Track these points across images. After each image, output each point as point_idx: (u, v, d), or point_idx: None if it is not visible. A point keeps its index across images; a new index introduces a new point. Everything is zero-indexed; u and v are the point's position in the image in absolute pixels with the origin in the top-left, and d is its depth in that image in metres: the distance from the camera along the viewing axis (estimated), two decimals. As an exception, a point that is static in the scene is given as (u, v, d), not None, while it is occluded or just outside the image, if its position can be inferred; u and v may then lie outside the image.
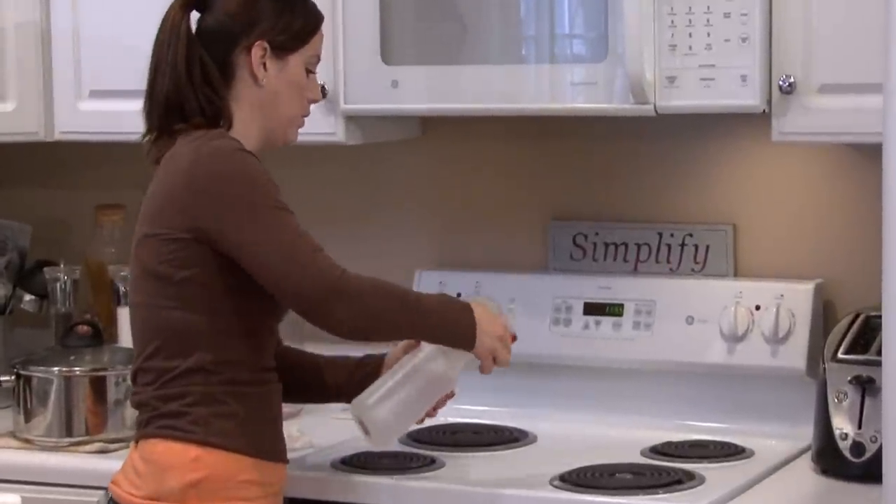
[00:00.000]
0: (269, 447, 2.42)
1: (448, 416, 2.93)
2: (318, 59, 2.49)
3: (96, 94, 3.03)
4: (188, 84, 2.40)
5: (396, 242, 3.15)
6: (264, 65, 2.42)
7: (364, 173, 3.17)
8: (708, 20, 2.55)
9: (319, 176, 3.20)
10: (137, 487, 2.39)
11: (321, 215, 3.20)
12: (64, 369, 2.90)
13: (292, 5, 2.44)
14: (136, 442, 2.44)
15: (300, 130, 2.83)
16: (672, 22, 2.57)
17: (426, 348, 2.46)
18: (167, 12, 2.44)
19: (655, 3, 2.57)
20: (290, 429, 2.59)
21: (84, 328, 2.98)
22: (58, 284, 3.21)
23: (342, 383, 2.56)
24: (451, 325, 2.41)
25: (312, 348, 2.68)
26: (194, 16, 2.44)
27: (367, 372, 2.54)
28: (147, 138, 2.46)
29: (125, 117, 2.97)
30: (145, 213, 2.42)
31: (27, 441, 2.90)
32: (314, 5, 2.48)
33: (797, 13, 2.51)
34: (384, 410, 2.43)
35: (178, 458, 2.36)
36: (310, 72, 2.47)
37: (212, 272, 2.35)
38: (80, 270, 3.25)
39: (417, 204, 3.14)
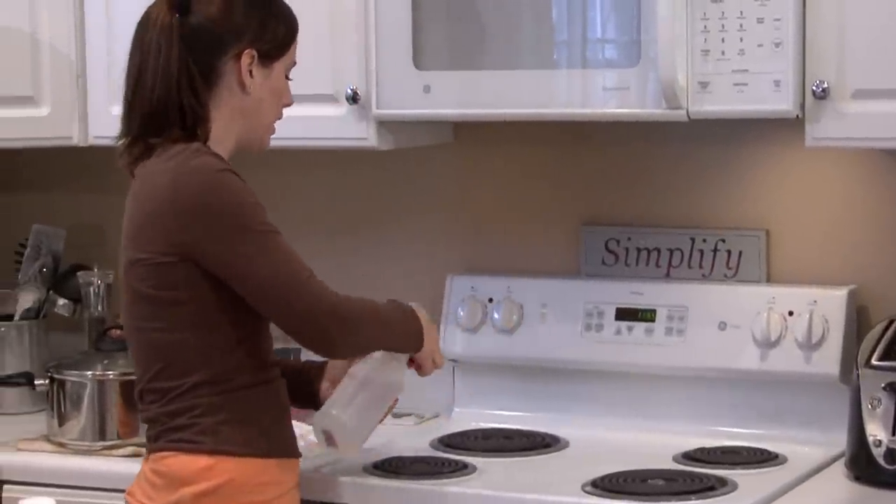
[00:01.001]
0: (280, 445, 2.43)
1: (480, 421, 2.94)
2: (294, 65, 2.49)
3: (130, 99, 3.04)
4: (176, 90, 2.37)
5: (428, 247, 3.15)
6: (251, 72, 2.41)
7: (396, 178, 3.17)
8: (741, 25, 2.54)
9: (351, 181, 3.21)
10: (151, 499, 2.41)
11: (353, 220, 3.21)
12: (97, 373, 2.91)
13: (275, 12, 2.44)
14: (148, 455, 2.45)
15: (328, 135, 2.85)
16: (705, 27, 2.56)
17: (376, 354, 2.49)
18: (151, 12, 2.40)
19: (688, 7, 2.56)
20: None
21: (117, 332, 2.99)
22: (91, 288, 3.22)
23: (300, 388, 2.56)
24: (408, 333, 2.48)
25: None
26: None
27: (311, 379, 2.56)
28: (122, 142, 2.43)
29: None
30: (128, 235, 2.41)
31: (61, 445, 2.91)
32: (291, 11, 2.47)
33: (831, 18, 2.51)
34: (349, 419, 2.45)
35: (190, 468, 2.37)
36: (287, 78, 2.48)
37: (201, 292, 2.35)
38: (114, 275, 3.26)
39: (449, 209, 3.14)
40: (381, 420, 2.57)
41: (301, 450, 2.51)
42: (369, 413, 2.50)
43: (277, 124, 2.51)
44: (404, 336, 2.49)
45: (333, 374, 2.54)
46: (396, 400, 2.56)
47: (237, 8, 2.40)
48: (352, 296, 2.40)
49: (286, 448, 2.44)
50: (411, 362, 2.54)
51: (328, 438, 2.46)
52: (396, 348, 2.49)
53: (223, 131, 2.42)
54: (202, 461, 2.37)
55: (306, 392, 2.56)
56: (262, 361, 2.43)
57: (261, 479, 2.39)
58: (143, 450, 2.83)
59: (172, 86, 2.37)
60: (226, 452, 2.37)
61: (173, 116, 2.38)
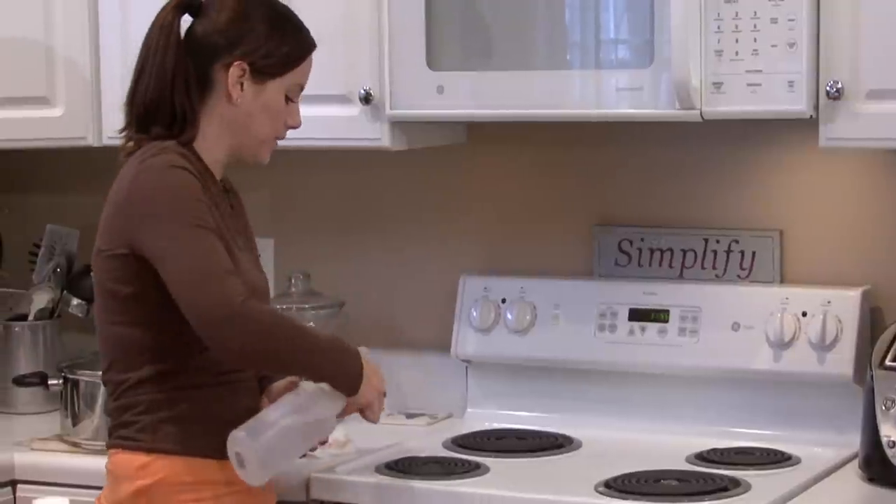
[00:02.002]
0: (214, 445, 2.38)
1: (493, 421, 2.94)
2: (301, 89, 2.47)
3: (144, 99, 3.04)
4: (170, 90, 2.39)
5: (441, 248, 3.15)
6: (241, 85, 2.40)
7: (409, 178, 3.17)
8: (755, 25, 2.54)
9: (365, 181, 3.21)
10: (106, 497, 2.45)
11: (366, 220, 3.21)
12: (111, 373, 2.91)
13: (282, 31, 2.42)
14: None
15: (342, 136, 2.84)
16: (718, 27, 2.56)
17: (308, 388, 2.42)
18: (159, 12, 2.43)
19: (702, 8, 2.56)
20: (336, 434, 2.59)
21: (131, 332, 2.99)
22: (105, 289, 3.22)
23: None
24: (340, 370, 2.39)
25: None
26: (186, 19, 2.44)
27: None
28: (123, 134, 2.46)
29: (172, 123, 2.99)
30: (99, 227, 2.44)
31: (75, 444, 2.92)
32: (307, 35, 2.46)
33: (845, 18, 2.50)
34: (260, 447, 2.37)
35: (128, 466, 2.39)
36: (290, 100, 2.45)
37: (150, 286, 2.35)
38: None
39: (462, 209, 3.14)
40: (301, 454, 2.49)
41: (343, 454, 2.49)
42: (284, 446, 2.40)
43: None
44: (334, 372, 2.39)
45: (273, 394, 2.48)
46: (323, 441, 2.50)
47: (240, 19, 2.40)
48: (272, 308, 2.37)
49: (219, 450, 2.38)
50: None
51: (238, 460, 2.37)
52: (325, 380, 2.40)
53: (212, 138, 2.43)
54: (139, 459, 2.38)
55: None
56: (213, 363, 2.40)
57: (196, 479, 2.38)
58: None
59: (166, 85, 2.39)
60: (161, 451, 2.38)
61: (162, 115, 2.40)
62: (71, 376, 2.94)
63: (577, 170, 3.05)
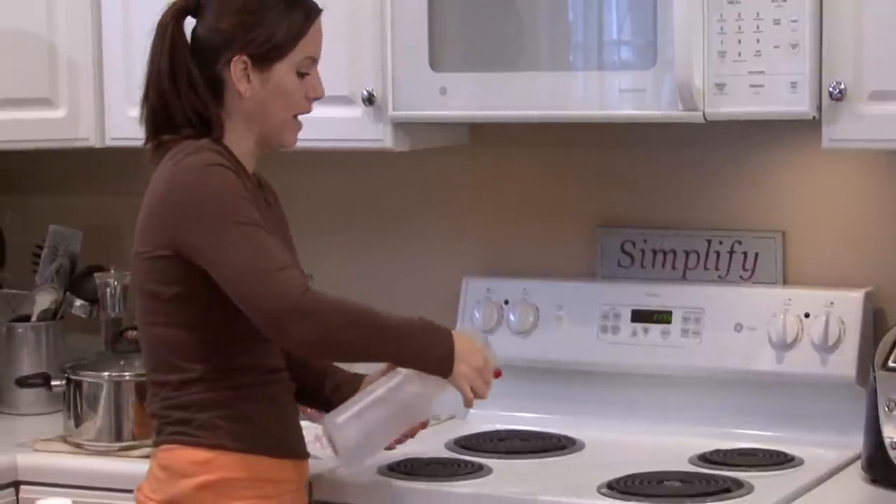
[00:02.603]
0: (281, 444, 2.42)
1: (496, 423, 2.94)
2: (315, 61, 2.45)
3: (147, 100, 3.05)
4: (174, 93, 2.39)
5: (443, 249, 3.15)
6: (248, 77, 2.40)
7: (412, 180, 3.17)
8: (757, 27, 2.54)
9: (367, 182, 3.21)
10: (155, 492, 2.43)
11: (368, 221, 3.21)
12: (114, 374, 2.92)
13: (275, 13, 2.39)
14: (154, 450, 2.47)
15: (344, 137, 2.84)
16: (721, 28, 2.56)
17: (402, 372, 2.42)
18: (161, 16, 2.43)
19: (704, 9, 2.56)
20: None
21: (134, 333, 2.99)
22: (108, 290, 3.23)
23: (326, 396, 2.55)
24: (425, 351, 2.37)
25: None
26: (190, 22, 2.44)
27: (337, 384, 2.54)
28: (147, 146, 2.46)
29: (175, 124, 3.00)
30: (137, 228, 2.43)
31: (77, 445, 2.92)
32: (302, 8, 2.42)
33: (847, 20, 2.50)
34: (352, 431, 2.39)
35: (189, 461, 2.38)
36: (304, 74, 2.43)
37: (196, 287, 2.35)
38: (130, 276, 3.27)
39: (465, 210, 3.14)
40: (397, 441, 2.52)
41: (316, 452, 2.50)
42: (378, 430, 2.43)
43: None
44: (419, 353, 2.37)
45: (370, 380, 2.50)
46: (423, 424, 2.51)
47: (232, 13, 2.39)
48: (337, 296, 2.33)
49: (288, 448, 2.44)
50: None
51: (332, 444, 2.42)
52: (412, 364, 2.40)
53: (238, 135, 2.43)
54: (201, 454, 2.38)
55: (329, 397, 2.54)
56: (266, 363, 2.42)
57: (259, 476, 2.39)
58: (160, 450, 2.86)
59: (168, 92, 2.39)
60: (223, 447, 2.38)
61: (180, 118, 2.40)
62: (74, 377, 2.94)
63: (579, 171, 3.05)
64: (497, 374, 2.45)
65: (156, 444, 2.46)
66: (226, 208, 2.32)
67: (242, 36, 2.39)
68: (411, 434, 2.54)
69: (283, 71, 2.41)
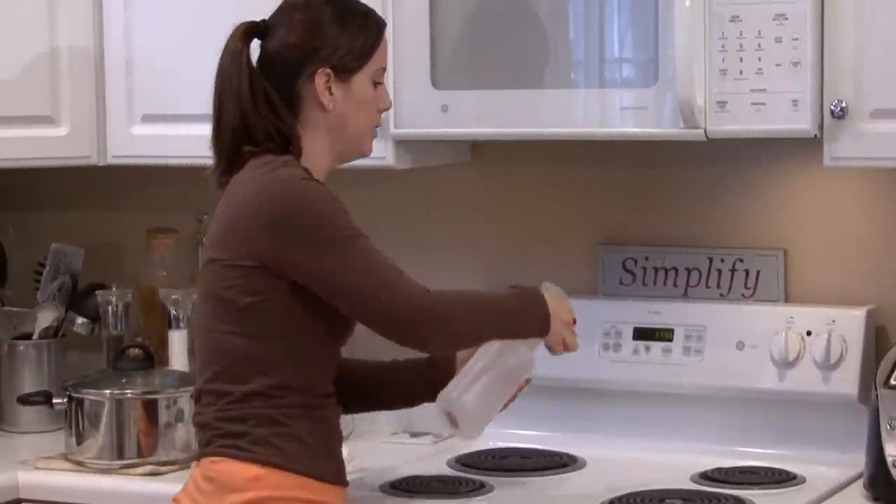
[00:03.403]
0: (329, 469, 2.42)
1: (497, 440, 2.93)
2: (385, 69, 2.49)
3: (148, 118, 3.06)
4: (254, 113, 2.40)
5: (446, 266, 3.15)
6: (329, 90, 2.41)
7: (413, 197, 3.17)
8: (759, 45, 2.54)
9: (369, 200, 3.21)
10: (198, 503, 2.40)
11: (370, 238, 3.21)
12: (115, 392, 2.92)
13: (350, 25, 2.42)
14: (198, 460, 2.44)
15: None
16: (723, 46, 2.56)
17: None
18: (227, 41, 2.43)
19: (706, 27, 2.56)
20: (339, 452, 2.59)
21: (135, 351, 3.00)
22: (109, 308, 3.23)
23: (416, 387, 2.56)
24: (529, 320, 2.45)
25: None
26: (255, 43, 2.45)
27: (443, 370, 2.53)
28: (218, 169, 2.45)
29: (177, 141, 3.01)
30: (212, 235, 2.42)
31: (79, 463, 2.92)
32: (374, 16, 2.46)
33: (849, 38, 2.50)
34: (470, 401, 2.45)
35: (239, 476, 2.36)
36: (378, 83, 2.46)
37: (277, 300, 2.35)
38: (132, 294, 3.27)
39: (467, 228, 3.15)
40: (509, 402, 2.55)
41: (348, 472, 2.50)
42: (492, 395, 2.49)
43: None
44: (524, 323, 2.45)
45: (464, 355, 2.52)
46: (527, 381, 2.55)
47: (308, 29, 2.41)
48: (451, 290, 2.41)
49: (333, 474, 2.42)
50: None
51: (451, 420, 2.46)
52: (517, 336, 2.46)
53: (317, 149, 2.44)
54: (252, 470, 2.36)
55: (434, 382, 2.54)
56: (322, 386, 2.42)
57: (306, 498, 2.38)
58: (161, 468, 2.86)
59: (248, 112, 2.39)
60: (276, 465, 2.36)
61: (261, 137, 2.40)
62: (75, 395, 2.94)
63: (581, 189, 3.05)
64: (573, 322, 2.54)
65: (202, 455, 2.42)
66: (334, 223, 2.34)
67: (324, 49, 2.40)
68: (520, 391, 2.56)
69: (361, 81, 2.43)
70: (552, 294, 2.49)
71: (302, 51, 2.40)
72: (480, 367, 2.47)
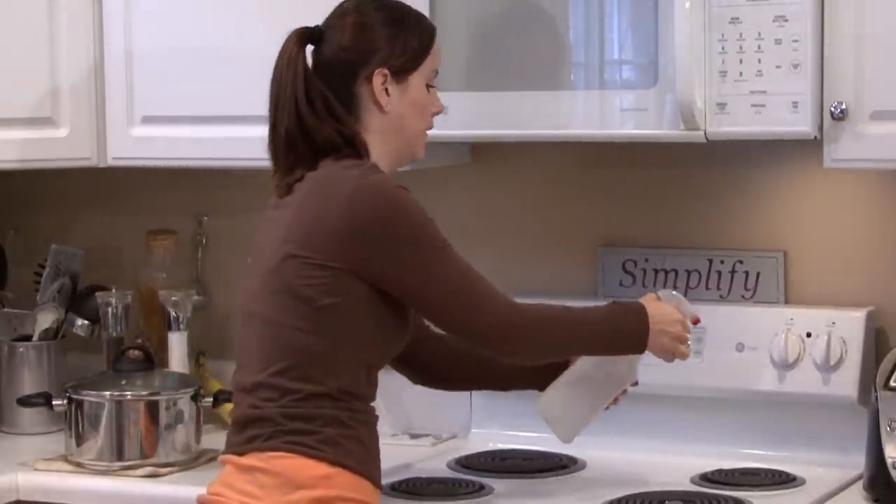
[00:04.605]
0: (379, 472, 2.44)
1: (497, 442, 2.94)
2: (437, 73, 2.51)
3: (148, 119, 3.06)
4: (312, 117, 2.41)
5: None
6: (386, 91, 2.43)
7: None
8: (759, 46, 2.54)
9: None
10: (257, 498, 2.36)
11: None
12: (115, 394, 2.92)
13: (405, 26, 2.45)
14: (241, 454, 2.40)
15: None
16: (723, 48, 2.56)
17: None
18: (283, 46, 2.44)
19: (706, 29, 2.56)
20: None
21: (135, 353, 3.00)
22: (109, 309, 3.23)
23: (526, 373, 2.62)
24: (623, 338, 2.50)
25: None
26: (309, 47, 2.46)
27: (538, 369, 2.60)
28: (278, 174, 2.45)
29: (177, 143, 3.01)
30: (292, 229, 2.40)
31: (79, 465, 2.92)
32: (426, 20, 2.49)
33: (849, 39, 2.51)
34: (560, 407, 2.55)
35: (309, 473, 2.35)
36: (430, 86, 2.49)
37: (356, 303, 2.36)
38: (132, 295, 3.27)
39: (466, 230, 3.13)
40: (604, 408, 2.62)
41: None
42: (586, 402, 2.57)
43: None
44: (618, 341, 2.51)
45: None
46: (625, 390, 2.61)
47: (363, 31, 2.43)
48: (539, 305, 2.46)
49: (379, 478, 2.44)
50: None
51: (549, 423, 2.57)
52: (611, 353, 2.54)
53: (378, 151, 2.45)
54: (322, 469, 2.35)
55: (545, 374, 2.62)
56: (372, 393, 2.44)
57: (363, 500, 2.39)
58: (161, 470, 2.86)
59: (306, 117, 2.40)
60: (345, 466, 2.37)
61: (325, 141, 2.40)
62: (75, 397, 2.94)
63: (581, 190, 3.05)
64: (696, 322, 2.59)
65: (256, 449, 2.38)
66: (427, 234, 2.38)
67: (381, 50, 2.42)
68: (621, 395, 2.63)
69: (417, 83, 2.46)
70: (661, 306, 2.53)
71: (358, 52, 2.42)
72: (580, 373, 2.56)
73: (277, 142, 2.44)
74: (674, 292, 2.59)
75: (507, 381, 2.67)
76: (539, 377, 2.61)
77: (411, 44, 2.45)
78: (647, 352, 2.53)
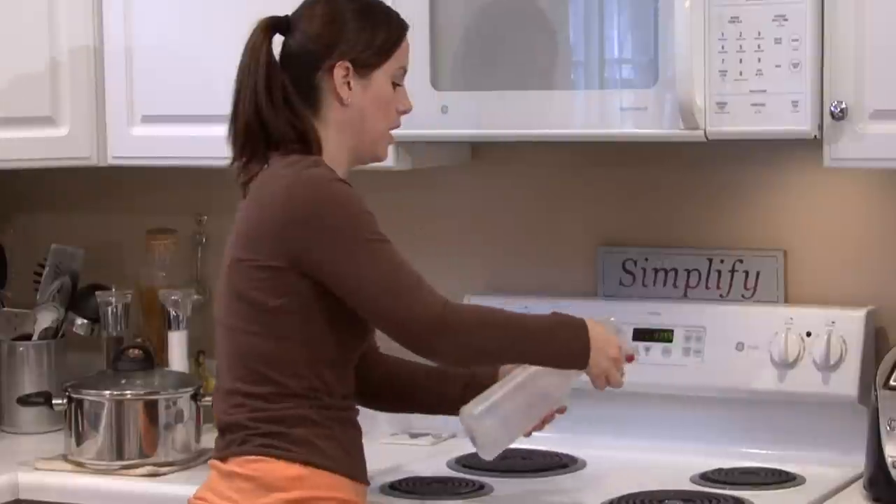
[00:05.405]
0: (359, 468, 2.43)
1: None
2: (405, 71, 2.48)
3: (148, 119, 3.06)
4: (270, 108, 2.39)
5: (445, 267, 3.14)
6: (348, 84, 2.41)
7: (413, 199, 3.17)
8: (759, 45, 2.54)
9: (369, 201, 3.19)
10: (235, 502, 2.38)
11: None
12: (115, 393, 2.92)
13: (373, 20, 2.43)
14: (226, 459, 2.41)
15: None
16: (723, 47, 2.56)
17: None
18: (250, 35, 2.43)
19: (706, 28, 2.56)
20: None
21: (135, 352, 3.00)
22: (109, 308, 3.23)
23: (455, 396, 2.54)
24: (562, 349, 2.41)
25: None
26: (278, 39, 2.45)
27: (481, 386, 2.52)
28: (236, 164, 2.45)
29: (177, 142, 3.01)
30: (238, 234, 2.41)
31: (78, 464, 2.92)
32: (397, 17, 2.47)
33: (849, 39, 2.51)
34: (490, 421, 2.44)
35: (282, 475, 2.36)
36: (397, 84, 2.46)
37: (305, 301, 2.35)
38: (132, 294, 3.27)
39: (467, 229, 3.15)
40: (533, 429, 2.53)
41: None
42: (515, 419, 2.46)
43: None
44: (556, 352, 2.41)
45: (503, 371, 2.52)
46: (559, 410, 2.52)
47: (331, 23, 2.41)
48: (474, 305, 2.39)
49: (362, 473, 2.44)
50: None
51: (471, 437, 2.45)
52: (548, 364, 2.43)
53: (335, 146, 2.43)
54: (295, 470, 2.36)
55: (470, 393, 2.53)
56: (346, 388, 2.42)
57: (343, 497, 2.38)
58: (161, 469, 2.86)
59: (264, 107, 2.39)
60: (317, 465, 2.36)
61: (279, 134, 2.39)
62: (75, 396, 2.94)
63: (581, 189, 3.05)
64: (630, 359, 2.47)
65: (232, 455, 2.39)
66: (359, 226, 2.33)
67: (345, 42, 2.40)
68: (549, 419, 2.54)
69: (381, 79, 2.43)
70: (600, 327, 2.43)
71: (322, 43, 2.40)
72: (510, 389, 2.45)
73: (237, 134, 2.42)
74: (614, 320, 2.48)
75: (436, 403, 2.59)
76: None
77: (377, 39, 2.42)
78: (582, 373, 2.43)
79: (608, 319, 2.48)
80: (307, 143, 2.40)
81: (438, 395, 2.57)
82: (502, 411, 2.44)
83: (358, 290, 2.32)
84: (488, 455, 2.47)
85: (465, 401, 2.48)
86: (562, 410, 2.52)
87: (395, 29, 2.45)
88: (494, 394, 2.45)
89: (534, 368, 2.45)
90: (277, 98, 2.39)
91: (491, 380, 2.51)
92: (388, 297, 2.32)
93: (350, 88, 2.41)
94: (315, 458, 2.36)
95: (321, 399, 2.38)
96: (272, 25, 2.43)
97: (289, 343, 2.36)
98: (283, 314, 2.35)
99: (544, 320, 2.43)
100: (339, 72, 2.40)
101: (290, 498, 2.35)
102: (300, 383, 2.37)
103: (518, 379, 2.45)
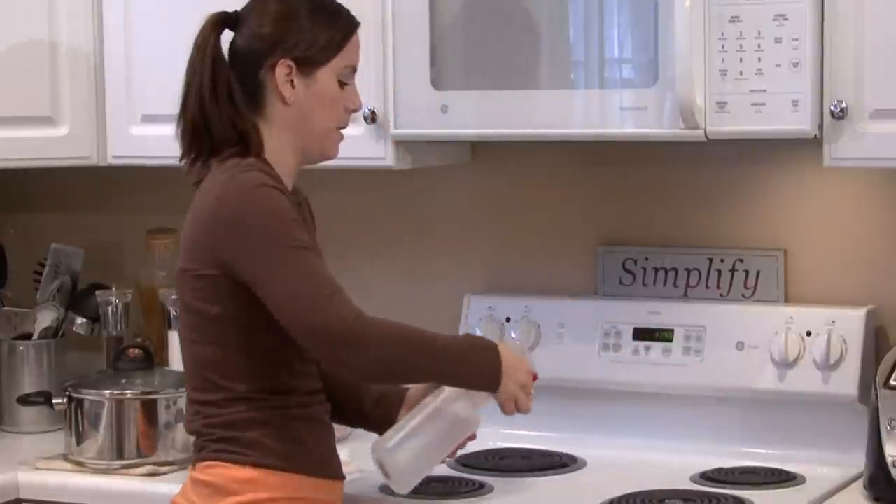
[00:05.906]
0: (322, 465, 2.42)
1: (498, 440, 2.93)
2: (354, 70, 2.45)
3: (148, 118, 3.06)
4: (213, 105, 2.38)
5: (446, 267, 3.15)
6: (291, 82, 2.39)
7: (413, 198, 3.17)
8: (759, 45, 2.54)
9: (369, 200, 3.21)
10: None
11: (370, 240, 3.21)
12: (115, 392, 2.92)
13: (319, 19, 2.40)
14: (193, 465, 2.45)
15: (346, 155, 2.83)
16: (723, 47, 2.56)
17: (447, 390, 2.43)
18: (199, 30, 2.42)
19: (706, 27, 2.56)
20: (339, 453, 2.59)
21: (135, 351, 3.00)
22: (109, 308, 3.23)
23: (367, 412, 2.55)
24: (475, 370, 2.38)
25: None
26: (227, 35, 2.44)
27: (390, 405, 2.53)
28: (184, 161, 2.44)
29: (177, 142, 3.00)
30: (181, 245, 2.42)
31: (79, 464, 2.92)
32: (347, 14, 2.44)
33: (849, 38, 2.51)
34: (404, 454, 2.40)
35: (234, 479, 2.37)
36: (344, 83, 2.44)
37: (242, 308, 2.34)
38: (132, 294, 3.27)
39: (467, 229, 3.15)
40: (448, 456, 2.51)
41: (348, 473, 2.50)
42: (429, 450, 2.43)
43: None
44: (466, 373, 2.38)
45: (411, 402, 2.49)
46: (470, 437, 2.49)
47: (277, 20, 2.39)
48: (387, 320, 2.32)
49: (329, 468, 2.43)
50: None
51: (382, 470, 2.42)
52: (462, 385, 2.40)
53: (278, 147, 2.41)
54: (247, 473, 2.36)
55: (381, 418, 2.52)
56: (305, 386, 2.42)
57: (303, 496, 2.38)
58: (161, 468, 2.86)
59: (207, 105, 2.38)
60: (270, 466, 2.36)
61: (220, 133, 2.39)
62: (75, 395, 2.94)
63: (581, 189, 3.06)
64: (534, 378, 2.45)
65: (197, 461, 2.42)
66: (277, 232, 2.31)
67: (288, 40, 2.38)
68: (461, 446, 2.52)
69: (325, 77, 2.41)
70: (511, 350, 2.41)
71: (267, 40, 2.38)
72: (421, 419, 2.41)
73: (184, 130, 2.41)
74: (519, 342, 2.47)
75: (353, 416, 2.56)
76: (379, 420, 2.51)
77: (322, 37, 2.39)
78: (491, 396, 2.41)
79: (517, 344, 2.47)
80: (246, 144, 2.39)
81: (357, 409, 2.55)
82: (416, 444, 2.40)
83: (274, 295, 2.30)
84: (403, 489, 2.43)
85: (375, 419, 2.48)
86: (473, 437, 2.50)
87: (341, 27, 2.42)
88: (407, 425, 2.41)
89: (443, 397, 2.41)
90: (222, 95, 2.38)
91: (398, 402, 2.50)
92: (302, 304, 2.28)
93: (293, 87, 2.39)
94: (267, 459, 2.36)
95: (273, 399, 2.38)
96: (221, 21, 2.41)
97: (233, 350, 2.36)
98: (224, 321, 2.35)
99: (457, 341, 2.42)
100: (281, 70, 2.38)
101: (243, 501, 2.36)
102: (251, 386, 2.37)
103: (428, 409, 2.41)
